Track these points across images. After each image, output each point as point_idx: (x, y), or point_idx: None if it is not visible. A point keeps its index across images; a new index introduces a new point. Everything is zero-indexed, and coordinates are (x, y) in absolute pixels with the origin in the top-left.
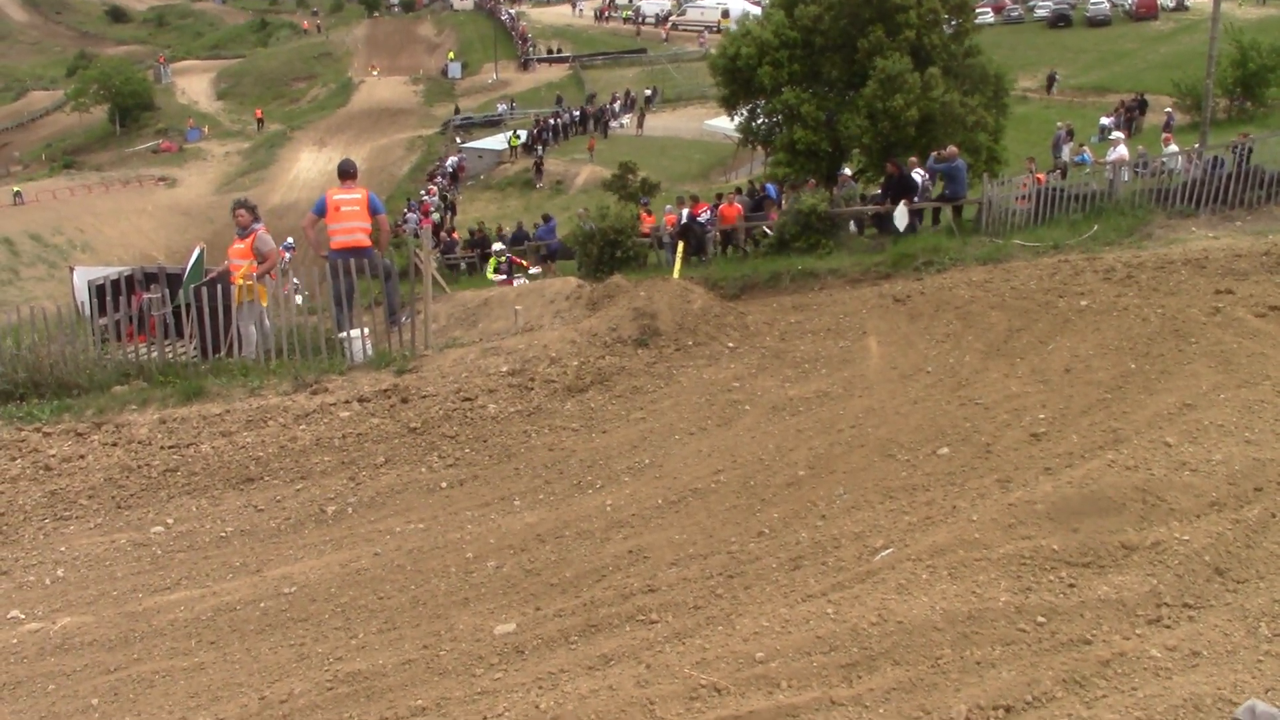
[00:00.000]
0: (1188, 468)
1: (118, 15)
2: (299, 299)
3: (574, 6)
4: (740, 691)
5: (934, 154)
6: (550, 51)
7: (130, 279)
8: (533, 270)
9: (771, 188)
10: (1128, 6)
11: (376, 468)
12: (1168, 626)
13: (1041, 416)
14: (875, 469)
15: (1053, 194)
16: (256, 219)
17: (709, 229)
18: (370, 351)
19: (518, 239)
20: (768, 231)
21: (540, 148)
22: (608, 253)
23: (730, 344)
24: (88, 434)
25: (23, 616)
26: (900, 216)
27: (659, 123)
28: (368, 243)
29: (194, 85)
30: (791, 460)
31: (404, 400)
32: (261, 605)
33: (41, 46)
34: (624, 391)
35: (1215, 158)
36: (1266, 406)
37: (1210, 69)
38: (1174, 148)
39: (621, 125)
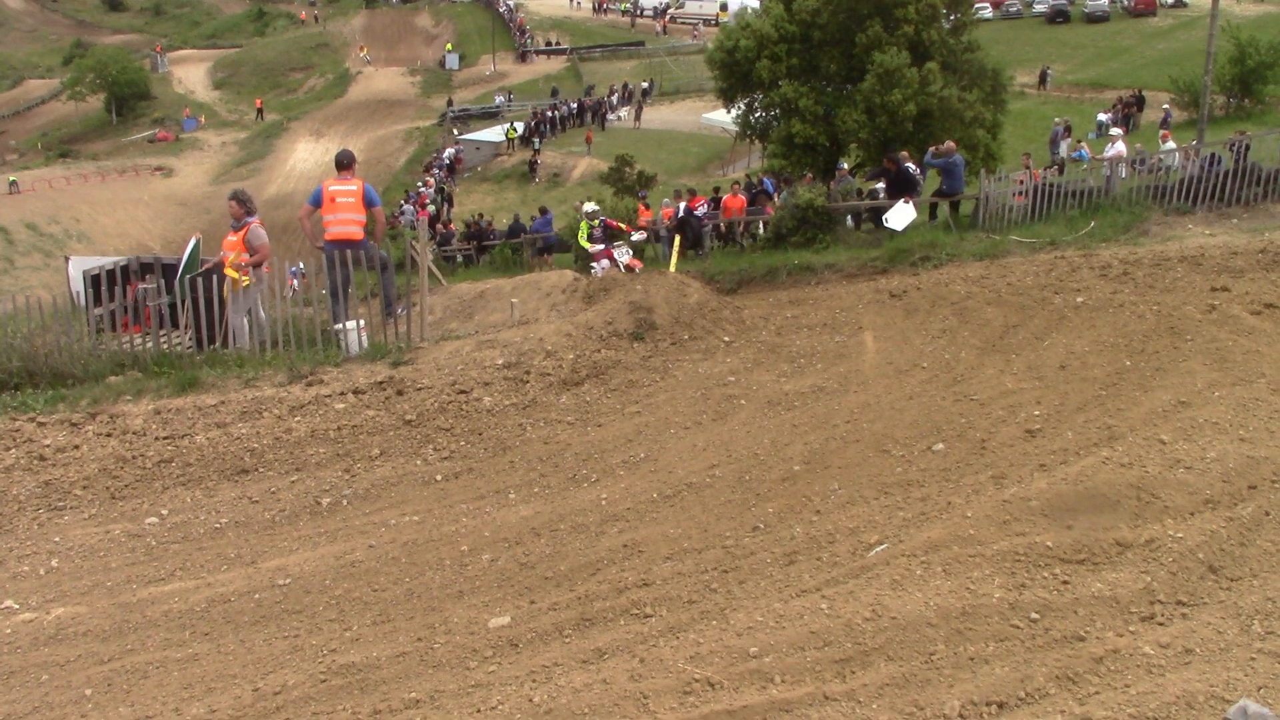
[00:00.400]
0: (1182, 465)
1: (114, 4)
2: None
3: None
4: (733, 686)
5: (932, 149)
6: (548, 43)
7: (126, 269)
8: (635, 236)
9: (769, 182)
10: (1126, 3)
11: (371, 460)
12: (1161, 624)
13: (1037, 413)
14: (870, 464)
15: (1050, 190)
16: (250, 212)
17: (706, 223)
18: (365, 343)
19: (514, 231)
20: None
21: (538, 140)
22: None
23: (726, 338)
24: (82, 424)
25: (17, 607)
26: (900, 217)
27: (656, 116)
28: (361, 235)
29: (191, 75)
30: (787, 455)
31: (399, 392)
32: (256, 597)
33: (38, 35)
34: (619, 385)
35: (1212, 155)
36: (1261, 404)
37: (1208, 66)
38: (1171, 144)
39: (619, 118)
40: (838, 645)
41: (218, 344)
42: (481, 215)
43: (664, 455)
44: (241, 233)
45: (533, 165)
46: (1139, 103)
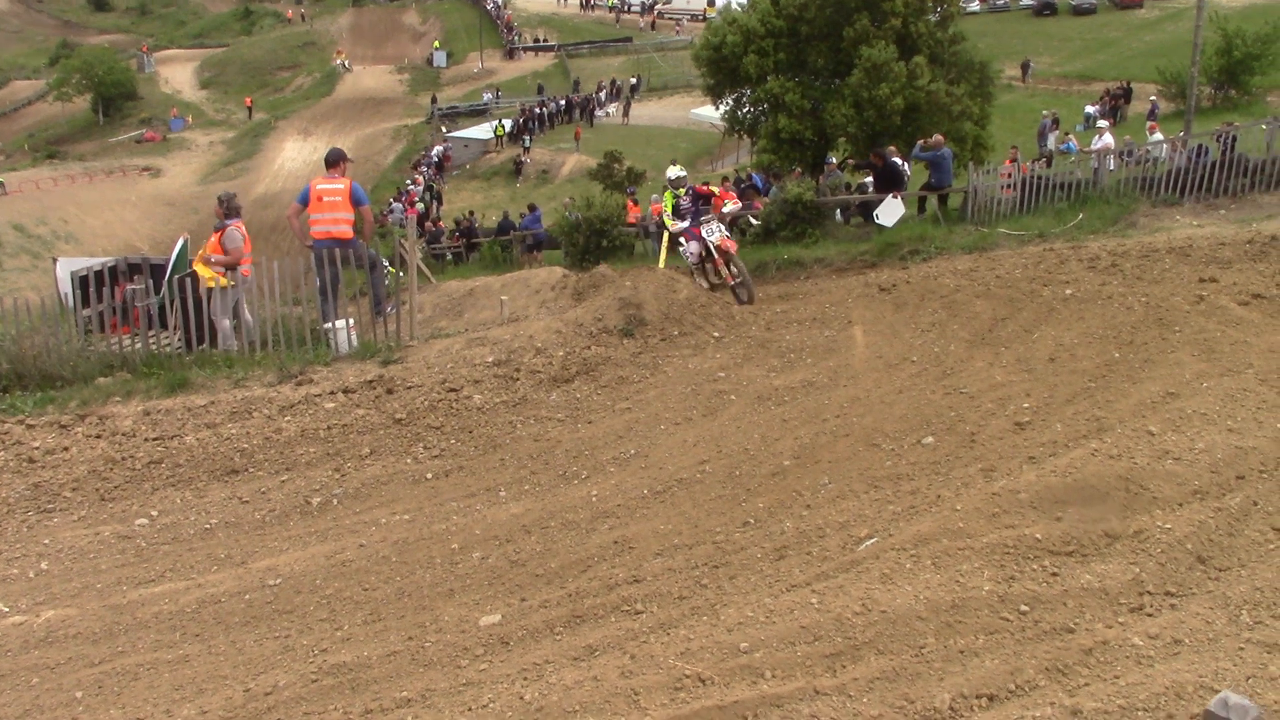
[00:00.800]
0: (1171, 456)
1: (100, 4)
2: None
3: None
4: (724, 682)
5: (920, 143)
6: (536, 40)
7: (114, 270)
8: (729, 207)
9: (758, 177)
10: None
11: (361, 459)
12: (1150, 615)
13: (1026, 405)
14: (860, 458)
15: (1038, 182)
16: (230, 214)
17: None
18: (355, 342)
19: (503, 229)
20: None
21: (528, 138)
22: (594, 242)
23: (716, 334)
24: (71, 426)
25: (6, 610)
26: (889, 212)
27: (645, 111)
28: (349, 234)
29: (177, 74)
30: (777, 450)
31: (389, 391)
32: (246, 597)
33: (23, 35)
34: (609, 382)
35: (1200, 146)
36: (1249, 395)
37: (1195, 57)
38: (1159, 136)
39: (607, 114)
40: (828, 640)
41: (206, 344)
42: (471, 213)
43: (654, 451)
44: (219, 234)
45: (518, 164)
46: (1126, 95)
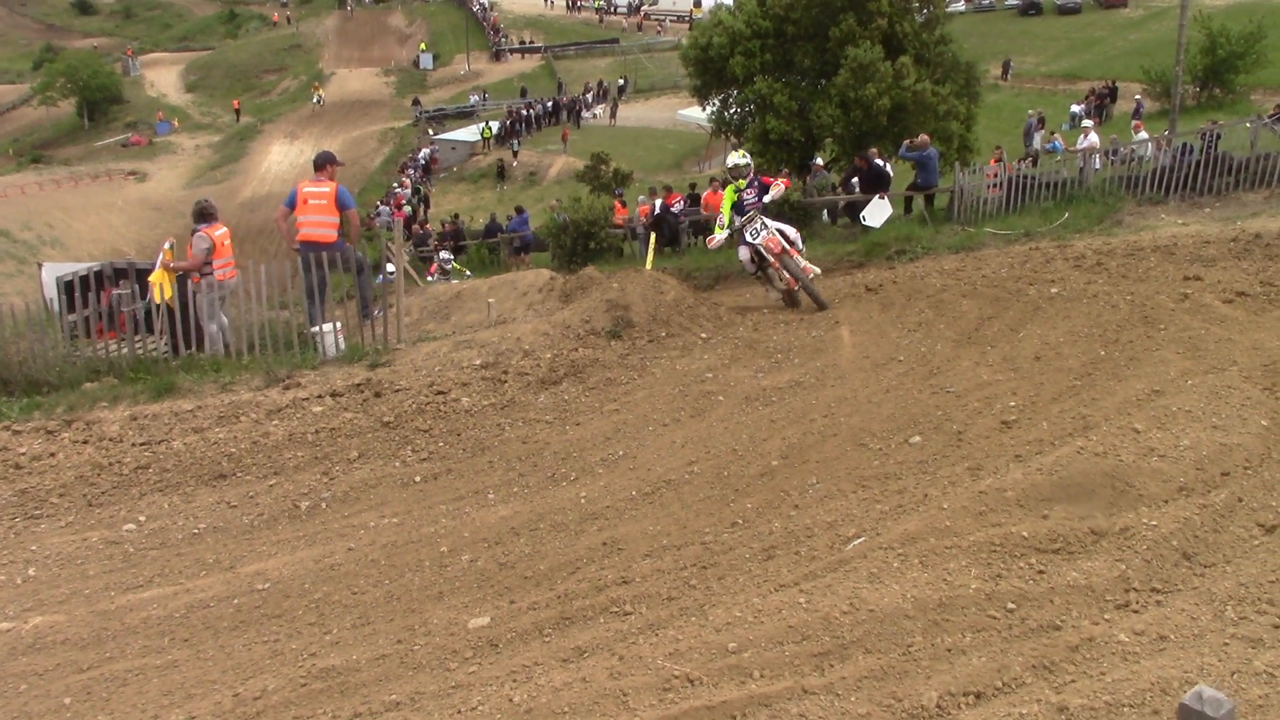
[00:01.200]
0: (1156, 453)
1: (84, 7)
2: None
3: None
4: (713, 682)
5: (906, 143)
6: (522, 42)
7: (100, 275)
8: (771, 194)
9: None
10: None
11: (349, 462)
12: (1136, 611)
13: (1012, 404)
14: (848, 458)
15: (1024, 182)
16: (202, 219)
17: (682, 220)
18: (342, 346)
19: (490, 231)
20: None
21: (516, 141)
22: (581, 244)
23: (703, 335)
24: (58, 431)
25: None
26: (877, 213)
27: (632, 113)
28: (332, 237)
29: (163, 78)
30: (765, 450)
31: (377, 394)
32: (235, 602)
33: (6, 39)
34: (597, 383)
35: (1185, 144)
36: (1233, 392)
37: (1180, 56)
38: (1144, 135)
39: (594, 116)
40: (816, 639)
41: (193, 349)
42: (456, 216)
43: (642, 453)
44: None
45: (501, 169)
46: (1111, 94)
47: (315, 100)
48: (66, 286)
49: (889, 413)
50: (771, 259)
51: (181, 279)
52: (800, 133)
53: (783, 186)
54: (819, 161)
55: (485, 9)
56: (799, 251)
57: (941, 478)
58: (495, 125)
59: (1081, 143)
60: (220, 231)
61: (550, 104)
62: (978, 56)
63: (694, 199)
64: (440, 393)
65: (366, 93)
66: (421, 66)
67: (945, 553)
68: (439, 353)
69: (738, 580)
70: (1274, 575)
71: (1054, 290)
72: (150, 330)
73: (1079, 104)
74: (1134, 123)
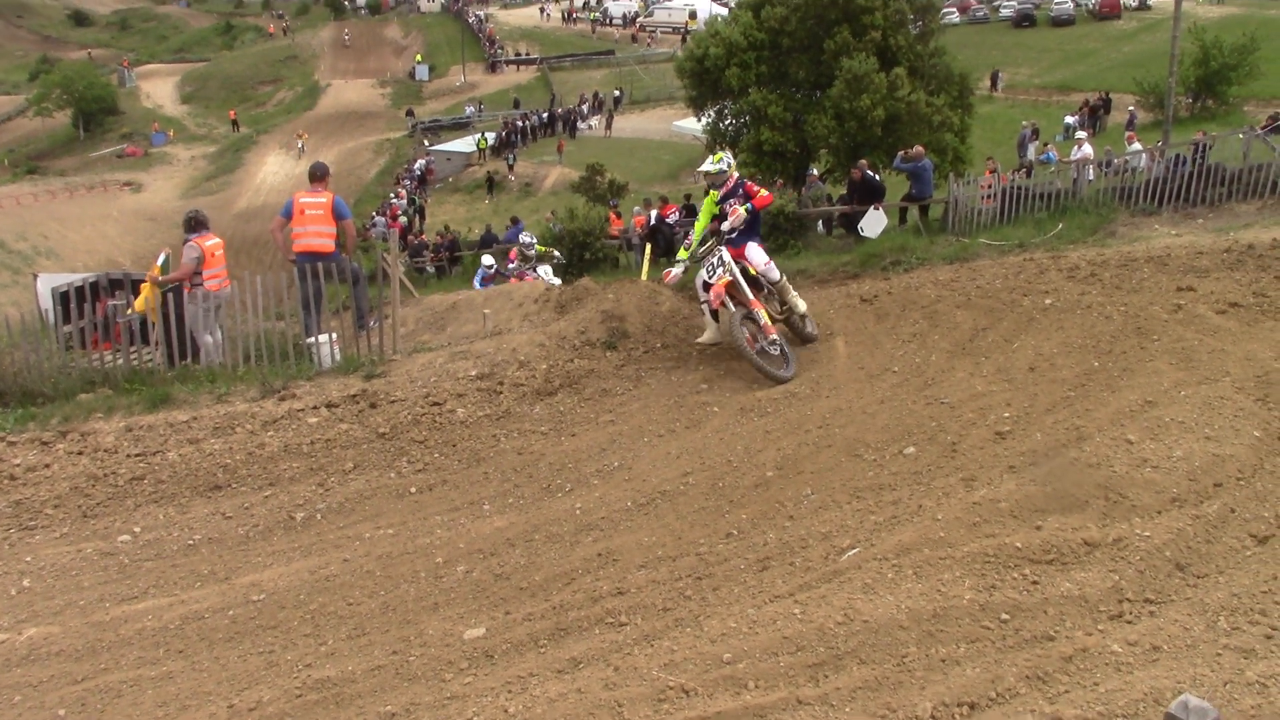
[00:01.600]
0: (1149, 464)
1: (80, 19)
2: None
3: (541, 10)
4: (708, 692)
5: (900, 154)
6: (518, 54)
7: (95, 285)
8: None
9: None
10: (1091, 6)
11: (345, 473)
12: (1129, 622)
13: (1006, 415)
14: (842, 469)
15: (1018, 193)
16: (193, 229)
17: (678, 230)
18: (338, 356)
19: (486, 242)
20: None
21: (512, 156)
22: (576, 255)
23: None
24: (53, 443)
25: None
26: (873, 225)
27: (627, 124)
28: (330, 248)
29: (159, 89)
30: (759, 461)
31: (372, 405)
32: (230, 613)
33: (2, 50)
34: (593, 394)
35: (1178, 155)
36: (1226, 403)
37: (1173, 68)
38: (1137, 146)
39: (590, 127)
40: (810, 650)
41: (189, 359)
42: (447, 228)
43: (638, 463)
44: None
45: (490, 180)
46: (1105, 105)
47: (300, 148)
48: (62, 297)
49: (883, 423)
50: (712, 300)
51: (176, 290)
52: (795, 144)
53: (743, 214)
54: (814, 172)
55: (481, 20)
56: (764, 294)
57: (936, 489)
58: (491, 136)
59: (1075, 154)
60: (212, 242)
61: (546, 115)
62: (972, 68)
63: (689, 210)
64: (436, 404)
65: (362, 104)
66: (417, 78)
67: (939, 564)
68: (435, 364)
69: (733, 591)
70: (1267, 586)
71: (1048, 301)
72: (145, 341)
73: (1073, 115)
74: (1127, 134)
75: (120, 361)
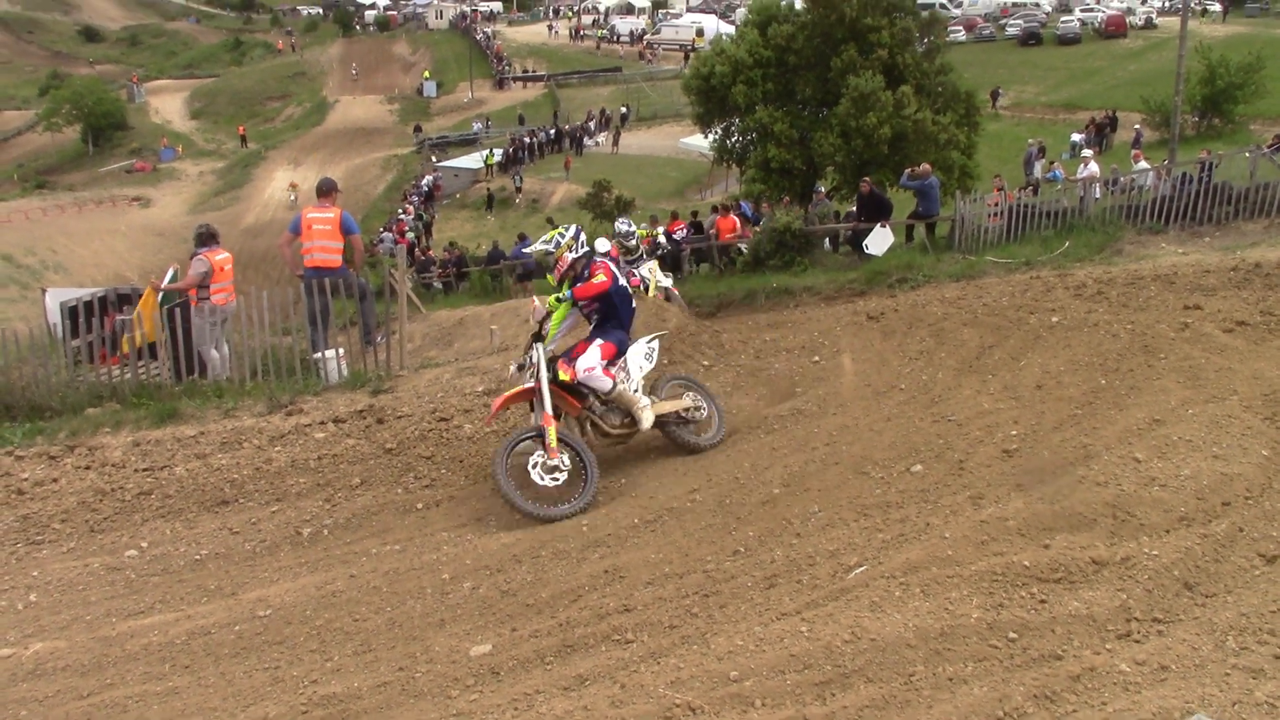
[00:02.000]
0: (1157, 483)
1: (91, 34)
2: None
3: (549, 27)
4: (715, 710)
5: (907, 172)
6: (525, 70)
7: (104, 300)
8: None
9: (746, 206)
10: (1097, 24)
11: (352, 489)
12: (1137, 641)
13: (1014, 433)
14: (849, 486)
15: (1025, 211)
16: (203, 243)
17: (684, 247)
18: (345, 372)
19: (493, 258)
20: (743, 250)
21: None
22: None
23: (705, 362)
24: (60, 457)
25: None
26: (879, 242)
27: (634, 140)
28: (337, 263)
29: (167, 105)
30: (766, 478)
31: (379, 421)
32: (236, 628)
33: (13, 66)
34: None
35: (1184, 174)
36: (1234, 421)
37: (1179, 86)
38: (1144, 164)
39: (597, 144)
40: (817, 668)
41: (195, 374)
42: (453, 244)
43: (644, 480)
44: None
45: (490, 198)
46: (1112, 123)
47: (292, 199)
48: (70, 312)
49: (890, 441)
50: (492, 409)
51: (184, 305)
52: (801, 161)
53: (542, 309)
54: (821, 189)
55: (489, 37)
56: (588, 404)
57: (943, 506)
58: (499, 153)
59: (1081, 172)
60: (221, 256)
61: (553, 131)
62: (978, 86)
63: (696, 227)
64: (443, 419)
65: (370, 120)
66: (425, 94)
67: (947, 582)
68: (441, 379)
69: (739, 608)
70: (1275, 605)
71: (1055, 319)
72: (154, 356)
73: (1079, 133)
74: (1134, 152)
75: (128, 376)
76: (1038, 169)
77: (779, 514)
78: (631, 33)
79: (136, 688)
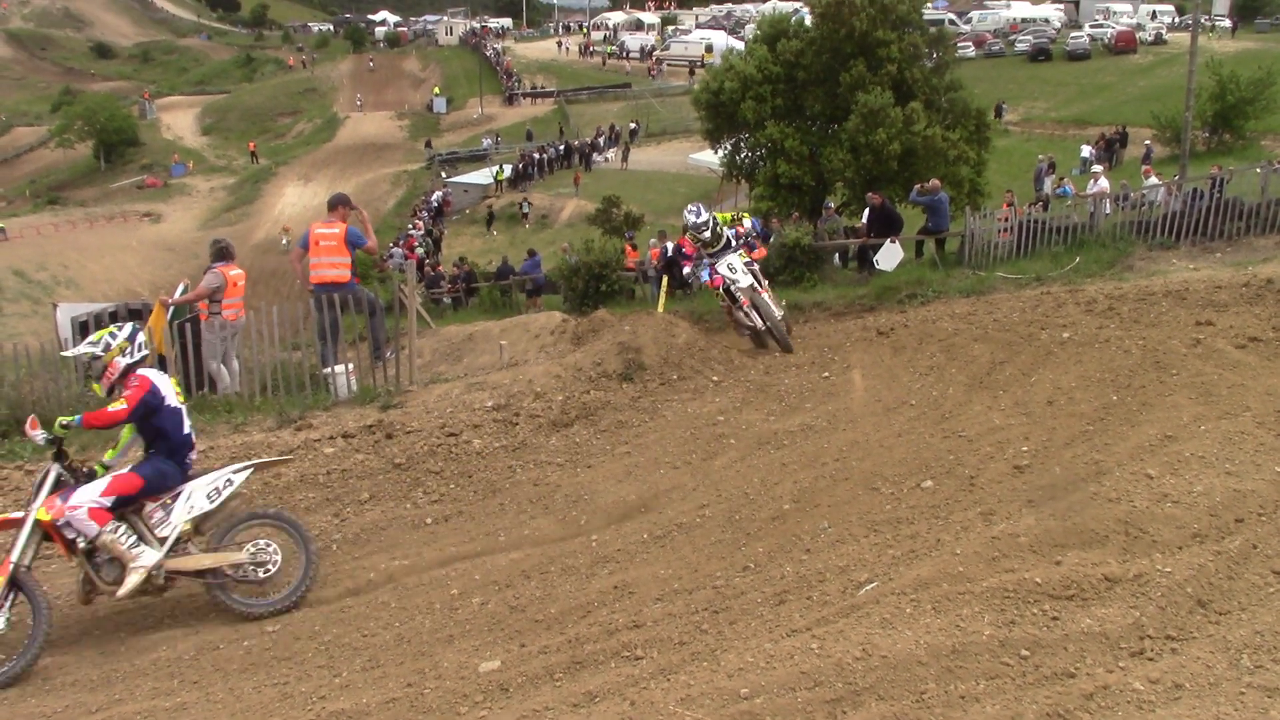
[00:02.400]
0: (1169, 499)
1: (103, 51)
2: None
3: (559, 43)
4: None
5: (917, 187)
6: (535, 87)
7: (114, 315)
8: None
9: (755, 222)
10: (1107, 40)
11: (361, 504)
12: (1150, 659)
13: (1025, 449)
14: (860, 502)
15: (1035, 226)
16: (218, 258)
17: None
18: (355, 387)
19: (502, 274)
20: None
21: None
22: (592, 287)
23: (715, 378)
24: None
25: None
26: (889, 257)
27: (644, 156)
28: (345, 278)
29: (179, 121)
30: (776, 494)
31: (389, 436)
32: (245, 644)
33: (26, 82)
34: (609, 426)
35: (1195, 190)
36: (1247, 438)
37: (1189, 102)
38: (1154, 179)
39: (606, 159)
40: (828, 685)
41: (205, 389)
42: (463, 259)
43: (653, 495)
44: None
45: (490, 215)
46: (1122, 139)
47: (284, 243)
48: (81, 327)
49: (901, 457)
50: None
51: (194, 320)
52: (811, 177)
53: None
54: (831, 205)
55: (498, 54)
56: None
57: (954, 522)
58: (508, 169)
59: (1092, 187)
60: (235, 272)
61: (563, 147)
62: (988, 102)
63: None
64: (452, 434)
65: (380, 135)
66: (435, 110)
67: (958, 598)
68: (451, 395)
69: (749, 625)
70: None
71: (1066, 335)
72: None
73: (1089, 149)
74: (1144, 168)
75: None
76: (1048, 184)
77: (789, 530)
78: (641, 49)
79: (145, 703)
